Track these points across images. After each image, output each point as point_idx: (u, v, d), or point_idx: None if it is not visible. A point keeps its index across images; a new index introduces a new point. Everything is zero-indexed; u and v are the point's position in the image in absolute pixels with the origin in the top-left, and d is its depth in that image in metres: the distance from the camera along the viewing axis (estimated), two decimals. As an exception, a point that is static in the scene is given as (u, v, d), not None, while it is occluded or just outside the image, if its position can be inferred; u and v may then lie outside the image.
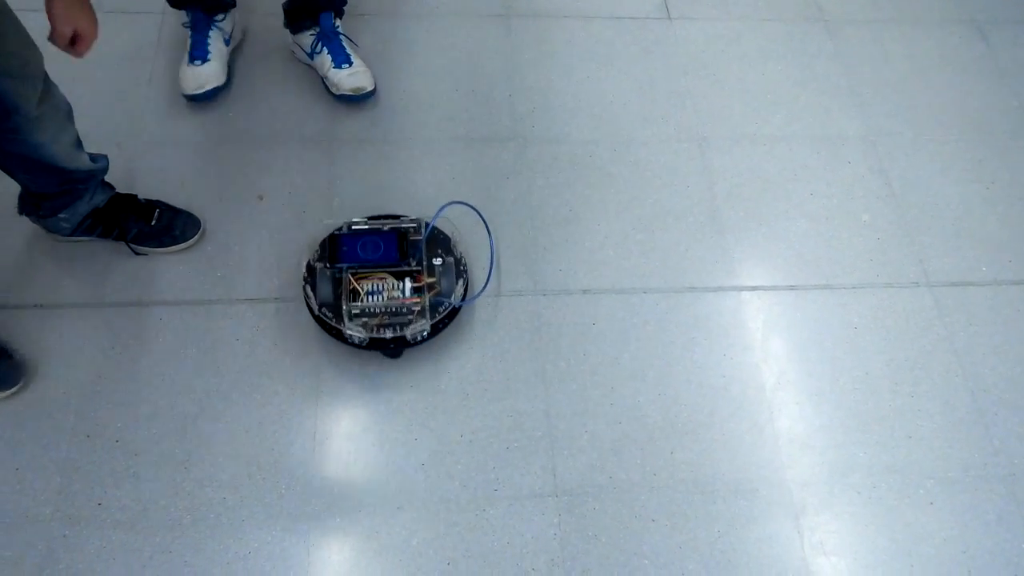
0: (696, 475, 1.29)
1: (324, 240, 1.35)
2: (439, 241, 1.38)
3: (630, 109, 1.68)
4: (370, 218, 1.39)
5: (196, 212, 1.45)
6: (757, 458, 1.31)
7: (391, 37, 1.73)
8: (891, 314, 1.47)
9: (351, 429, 1.29)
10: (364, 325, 1.27)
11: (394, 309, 1.29)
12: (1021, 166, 1.69)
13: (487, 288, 1.42)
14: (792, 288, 1.49)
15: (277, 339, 1.35)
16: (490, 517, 1.23)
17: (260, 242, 1.45)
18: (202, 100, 1.58)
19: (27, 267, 1.39)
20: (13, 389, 1.27)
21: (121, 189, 1.40)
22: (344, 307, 1.28)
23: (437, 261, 1.34)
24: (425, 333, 1.30)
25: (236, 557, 1.17)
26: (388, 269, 1.32)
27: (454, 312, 1.34)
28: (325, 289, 1.31)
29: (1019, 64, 1.84)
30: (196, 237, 1.43)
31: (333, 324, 1.29)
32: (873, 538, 1.26)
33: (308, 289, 1.32)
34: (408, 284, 1.31)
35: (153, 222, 1.39)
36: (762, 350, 1.41)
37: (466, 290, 1.37)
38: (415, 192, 1.52)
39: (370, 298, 1.29)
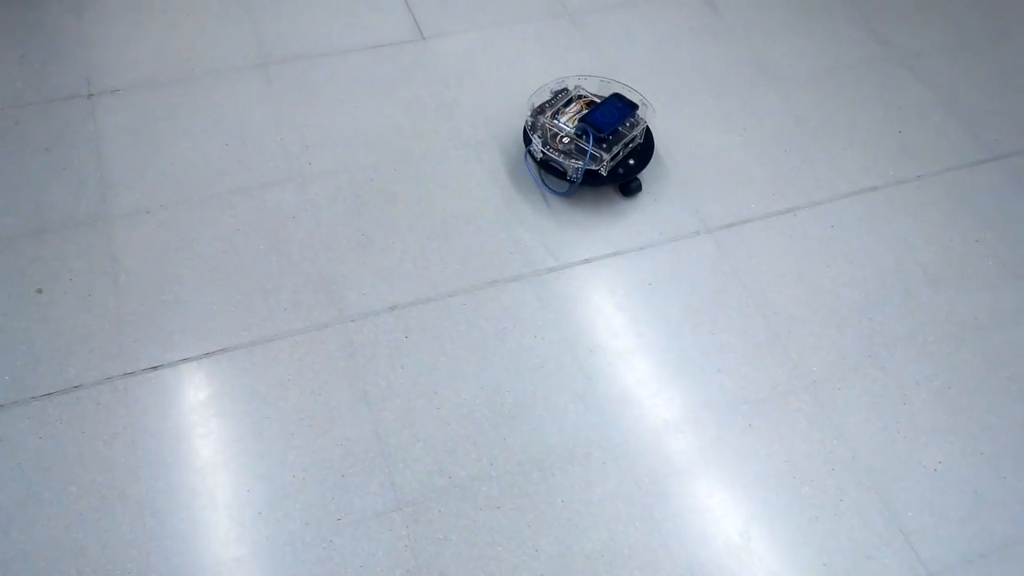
0: (530, 454, 1.32)
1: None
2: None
3: (402, 128, 1.73)
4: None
5: None
6: (584, 424, 1.36)
7: (149, 106, 1.70)
8: (682, 264, 1.57)
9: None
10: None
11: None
12: (764, 111, 1.84)
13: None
14: (586, 261, 1.56)
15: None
16: (338, 546, 1.22)
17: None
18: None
19: None
20: None
21: None
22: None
23: None
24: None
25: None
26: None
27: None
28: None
29: (743, 22, 2.01)
30: None
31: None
32: (704, 470, 1.33)
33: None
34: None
35: None
36: (567, 325, 1.47)
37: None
38: (203, 251, 1.50)
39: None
